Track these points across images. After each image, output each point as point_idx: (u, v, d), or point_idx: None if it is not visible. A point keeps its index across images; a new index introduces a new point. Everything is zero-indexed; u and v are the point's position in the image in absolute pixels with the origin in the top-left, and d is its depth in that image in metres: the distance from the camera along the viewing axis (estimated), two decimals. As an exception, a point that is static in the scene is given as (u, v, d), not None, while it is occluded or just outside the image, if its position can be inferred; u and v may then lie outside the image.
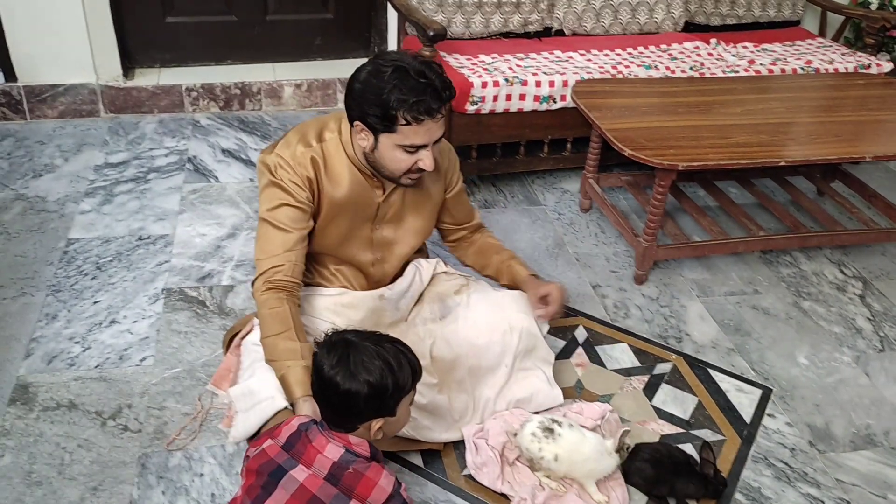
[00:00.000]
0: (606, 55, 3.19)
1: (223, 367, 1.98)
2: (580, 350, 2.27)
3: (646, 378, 2.18)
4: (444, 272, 2.10)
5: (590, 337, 2.32)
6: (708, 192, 2.99)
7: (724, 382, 2.19)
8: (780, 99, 2.86)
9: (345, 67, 3.71)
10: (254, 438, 1.70)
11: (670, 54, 3.27)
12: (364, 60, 1.70)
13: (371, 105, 1.61)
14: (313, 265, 1.92)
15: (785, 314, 2.50)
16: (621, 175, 2.98)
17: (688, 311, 2.48)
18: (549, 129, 2.97)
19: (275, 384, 1.66)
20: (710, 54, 3.32)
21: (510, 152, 3.02)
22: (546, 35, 3.41)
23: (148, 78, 3.53)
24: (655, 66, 3.07)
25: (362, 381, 1.40)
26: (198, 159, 3.15)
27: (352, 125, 1.70)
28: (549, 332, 2.03)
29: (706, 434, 2.01)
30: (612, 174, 2.98)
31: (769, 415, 2.10)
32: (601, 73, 2.96)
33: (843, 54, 3.35)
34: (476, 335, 1.91)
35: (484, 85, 2.76)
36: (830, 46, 3.48)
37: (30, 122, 3.37)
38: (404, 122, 1.61)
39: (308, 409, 1.54)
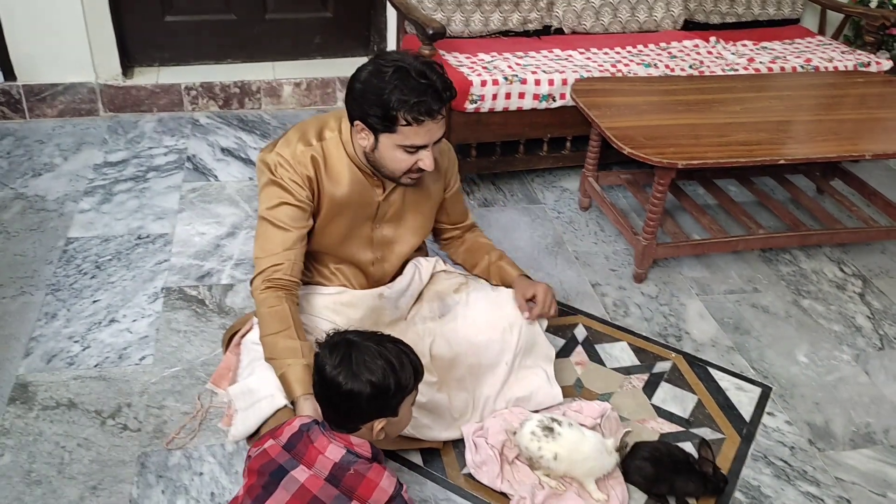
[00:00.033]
0: (606, 53, 3.19)
1: (222, 365, 1.98)
2: (580, 348, 2.27)
3: (645, 376, 2.18)
4: (444, 271, 2.10)
5: (589, 335, 2.32)
6: (707, 191, 2.99)
7: (723, 381, 2.19)
8: (780, 97, 2.85)
9: (344, 66, 3.71)
10: (253, 437, 1.70)
11: (670, 52, 3.26)
12: (363, 59, 1.70)
13: (372, 105, 1.61)
14: (313, 264, 1.91)
15: (784, 312, 2.50)
16: (621, 173, 2.98)
17: (687, 310, 2.48)
18: (548, 128, 2.97)
19: (274, 383, 1.66)
20: (710, 52, 3.32)
21: (509, 151, 3.02)
22: (545, 33, 3.41)
23: (147, 77, 3.53)
24: (655, 65, 3.07)
25: (365, 381, 1.39)
26: (197, 158, 3.15)
27: (352, 125, 1.70)
28: (548, 331, 2.03)
29: (706, 432, 2.01)
30: (611, 172, 2.98)
31: (769, 413, 2.10)
32: (600, 71, 2.96)
33: (842, 52, 3.35)
34: (475, 333, 1.91)
35: (483, 83, 2.76)
36: (830, 45, 3.48)
37: (29, 121, 3.37)
38: (405, 122, 1.61)
39: (309, 407, 1.54)
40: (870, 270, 2.75)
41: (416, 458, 1.87)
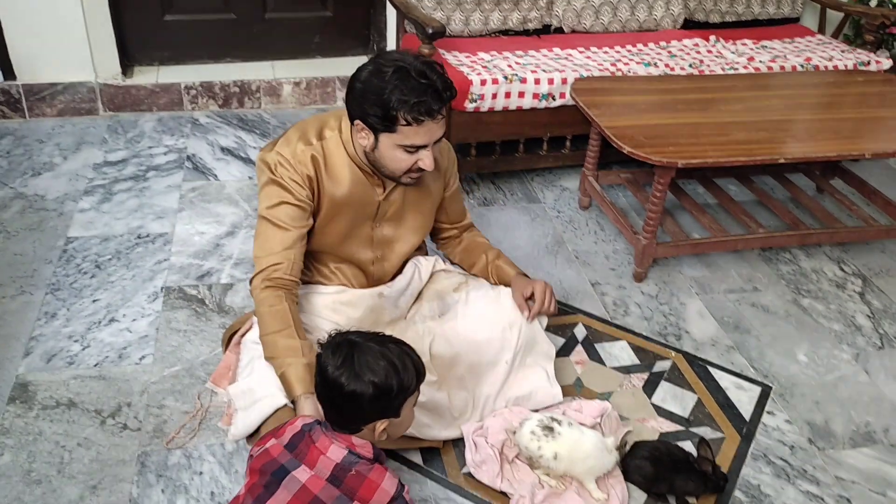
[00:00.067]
0: (606, 52, 3.18)
1: (222, 365, 1.98)
2: (579, 348, 2.26)
3: (645, 375, 2.18)
4: (443, 269, 2.10)
5: (589, 334, 2.32)
6: (707, 190, 2.99)
7: (723, 380, 2.19)
8: (780, 96, 2.86)
9: (344, 65, 3.71)
10: (253, 436, 1.70)
11: (669, 51, 3.26)
12: (363, 58, 1.70)
13: (372, 105, 1.61)
14: (313, 263, 1.91)
15: (784, 311, 2.50)
16: (620, 172, 2.98)
17: (687, 309, 2.48)
18: (548, 127, 2.97)
19: (274, 382, 1.66)
20: (710, 51, 3.31)
21: (509, 150, 3.02)
22: (545, 32, 3.41)
23: (147, 76, 3.53)
24: (655, 64, 3.07)
25: (367, 381, 1.39)
26: (197, 157, 3.15)
27: (352, 124, 1.70)
28: (547, 330, 2.03)
29: (705, 432, 2.01)
30: (611, 172, 2.98)
31: (769, 412, 2.10)
32: (600, 70, 2.96)
33: (842, 51, 3.35)
34: (475, 331, 1.91)
35: (483, 83, 2.75)
36: (830, 43, 3.48)
37: (29, 120, 3.37)
38: (405, 122, 1.61)
39: (309, 406, 1.54)
40: (870, 269, 2.75)
41: (416, 458, 1.87)
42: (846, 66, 3.22)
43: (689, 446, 1.93)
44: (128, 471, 1.79)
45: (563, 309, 2.41)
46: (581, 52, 3.15)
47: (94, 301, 2.31)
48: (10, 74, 3.28)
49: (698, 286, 2.59)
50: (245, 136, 3.36)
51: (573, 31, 3.41)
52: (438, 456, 1.88)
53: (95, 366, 2.08)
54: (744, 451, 1.96)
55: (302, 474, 1.34)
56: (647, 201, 2.50)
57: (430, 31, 2.66)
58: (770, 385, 2.19)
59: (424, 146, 1.66)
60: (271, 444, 1.40)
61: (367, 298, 1.93)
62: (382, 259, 1.95)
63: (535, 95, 2.84)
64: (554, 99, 2.87)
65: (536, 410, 1.93)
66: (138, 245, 2.58)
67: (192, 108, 3.55)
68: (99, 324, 2.23)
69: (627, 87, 2.83)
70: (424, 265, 2.06)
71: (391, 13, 3.57)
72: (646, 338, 2.33)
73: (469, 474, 1.82)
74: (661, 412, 2.07)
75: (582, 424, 1.85)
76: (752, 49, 3.37)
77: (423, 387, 1.76)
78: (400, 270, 2.02)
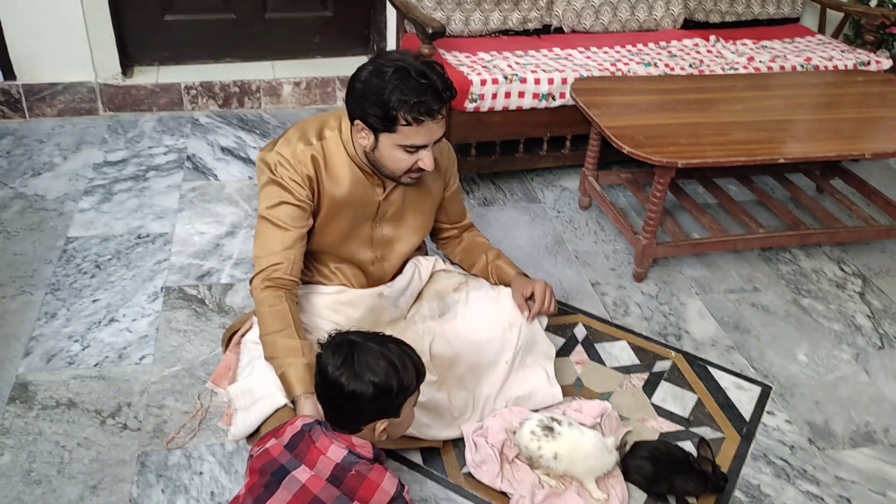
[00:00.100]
0: (605, 52, 3.18)
1: (222, 365, 1.98)
2: (579, 348, 2.26)
3: (645, 376, 2.18)
4: (443, 269, 2.10)
5: (589, 335, 2.32)
6: (707, 190, 2.99)
7: (723, 380, 2.19)
8: (780, 96, 2.85)
9: (344, 65, 3.71)
10: (253, 436, 1.70)
11: (669, 51, 3.26)
12: (363, 58, 1.70)
13: (372, 105, 1.61)
14: (313, 263, 1.91)
15: (784, 311, 2.50)
16: (620, 172, 2.98)
17: (687, 309, 2.48)
18: (548, 127, 2.97)
19: (274, 382, 1.66)
20: (710, 51, 3.31)
21: (509, 150, 3.02)
22: (545, 32, 3.41)
23: (147, 76, 3.53)
24: (655, 64, 3.07)
25: (367, 381, 1.39)
26: (197, 157, 3.15)
27: (352, 124, 1.70)
28: (547, 330, 2.03)
29: (705, 432, 2.01)
30: (611, 172, 2.98)
31: (768, 412, 2.10)
32: (600, 70, 2.96)
33: (842, 51, 3.35)
34: (475, 331, 1.91)
35: (483, 83, 2.75)
36: (830, 43, 3.48)
37: (29, 120, 3.37)
38: (404, 122, 1.61)
39: (309, 406, 1.54)
40: (870, 269, 2.75)
41: (416, 458, 1.87)
42: (846, 66, 3.22)
43: (689, 446, 1.93)
44: (128, 471, 1.79)
45: (563, 309, 2.41)
46: (581, 52, 3.15)
47: (94, 301, 2.31)
48: (10, 74, 3.28)
49: (698, 286, 2.59)
50: (245, 136, 3.36)
51: (573, 31, 3.41)
52: (438, 456, 1.88)
53: (95, 366, 2.08)
54: (744, 451, 1.96)
55: (302, 474, 1.34)
56: (647, 201, 2.51)
57: (430, 31, 2.66)
58: (770, 385, 2.19)
59: (424, 146, 1.66)
60: (271, 444, 1.40)
61: (367, 298, 1.93)
62: (382, 259, 1.95)
63: (535, 95, 2.83)
64: (554, 99, 2.87)
65: (536, 410, 1.93)
66: (138, 245, 2.58)
67: (192, 108, 3.55)
68: (99, 324, 2.23)
69: (627, 87, 2.83)
70: (424, 265, 2.06)
71: (391, 13, 3.57)
72: (646, 338, 2.33)
73: (469, 474, 1.82)
74: (661, 412, 2.07)
75: (582, 424, 1.85)
76: (752, 49, 3.37)
77: (423, 387, 1.76)
78: (400, 270, 2.02)
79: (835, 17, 3.74)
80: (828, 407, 2.14)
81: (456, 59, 2.97)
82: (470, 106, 2.78)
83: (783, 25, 3.74)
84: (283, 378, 1.61)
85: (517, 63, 2.93)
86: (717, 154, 2.37)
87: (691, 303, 2.51)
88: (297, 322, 1.69)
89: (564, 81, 2.84)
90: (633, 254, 2.61)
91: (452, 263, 2.14)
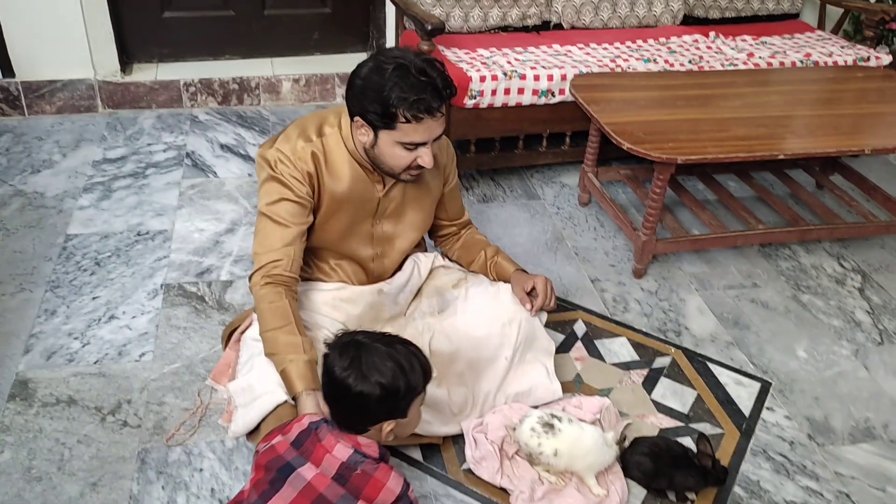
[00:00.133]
0: (605, 49, 3.18)
1: (222, 362, 1.98)
2: (579, 344, 2.27)
3: (645, 372, 2.19)
4: (443, 266, 2.10)
5: (589, 331, 2.33)
6: (707, 186, 2.99)
7: (722, 376, 2.19)
8: (779, 92, 2.85)
9: (343, 62, 3.71)
10: (253, 433, 1.70)
11: (669, 48, 3.26)
12: (362, 55, 1.70)
13: (371, 102, 1.61)
14: (312, 259, 1.91)
15: (784, 307, 2.51)
16: (620, 169, 2.98)
17: (687, 305, 2.48)
18: (547, 123, 2.97)
19: (274, 378, 1.66)
20: (709, 47, 3.31)
21: (509, 146, 3.02)
22: (544, 29, 3.41)
23: (146, 73, 3.53)
24: (654, 60, 3.07)
25: (374, 382, 1.38)
26: (196, 154, 3.15)
27: (352, 120, 1.70)
28: (547, 326, 2.03)
29: (705, 427, 2.01)
30: (610, 168, 2.98)
31: (768, 408, 2.10)
32: (600, 66, 2.96)
33: (842, 47, 3.35)
34: (475, 327, 1.91)
35: (482, 79, 2.75)
36: (829, 39, 3.48)
37: (28, 117, 3.37)
38: (404, 119, 1.60)
39: (311, 402, 1.54)
40: (869, 265, 2.75)
41: (416, 454, 1.87)
42: (846, 61, 3.22)
43: (688, 442, 1.94)
44: (128, 468, 1.79)
45: (563, 305, 2.41)
46: (580, 49, 3.15)
47: (93, 298, 2.31)
48: (9, 72, 3.28)
49: (698, 282, 2.59)
50: (244, 132, 3.36)
51: (572, 28, 3.41)
52: (438, 452, 1.88)
53: (95, 363, 2.08)
54: (743, 447, 1.97)
55: (307, 472, 1.34)
56: (647, 198, 2.50)
57: (430, 27, 2.66)
58: (769, 381, 2.19)
59: (424, 143, 1.66)
60: (278, 441, 1.40)
61: (366, 295, 1.93)
62: (382, 256, 1.95)
63: (535, 92, 2.83)
64: (553, 95, 2.87)
65: (536, 407, 1.93)
66: (138, 242, 2.58)
67: (191, 105, 3.54)
68: (99, 321, 2.23)
69: (627, 83, 2.82)
70: (424, 262, 2.06)
71: (390, 10, 3.56)
72: (645, 334, 2.33)
73: (469, 470, 1.82)
74: (661, 408, 2.07)
75: (582, 421, 1.85)
76: (751, 45, 3.36)
77: (424, 384, 1.77)
78: (399, 267, 2.02)
79: (834, 12, 3.74)
80: (827, 403, 2.14)
81: (455, 56, 2.97)
82: (469, 102, 2.78)
83: (783, 21, 3.74)
84: (284, 375, 1.61)
85: (516, 59, 2.93)
86: (716, 150, 2.36)
87: (691, 299, 2.51)
88: (298, 319, 1.69)
89: (564, 78, 2.84)
90: (633, 250, 2.61)
91: (451, 261, 2.14)
